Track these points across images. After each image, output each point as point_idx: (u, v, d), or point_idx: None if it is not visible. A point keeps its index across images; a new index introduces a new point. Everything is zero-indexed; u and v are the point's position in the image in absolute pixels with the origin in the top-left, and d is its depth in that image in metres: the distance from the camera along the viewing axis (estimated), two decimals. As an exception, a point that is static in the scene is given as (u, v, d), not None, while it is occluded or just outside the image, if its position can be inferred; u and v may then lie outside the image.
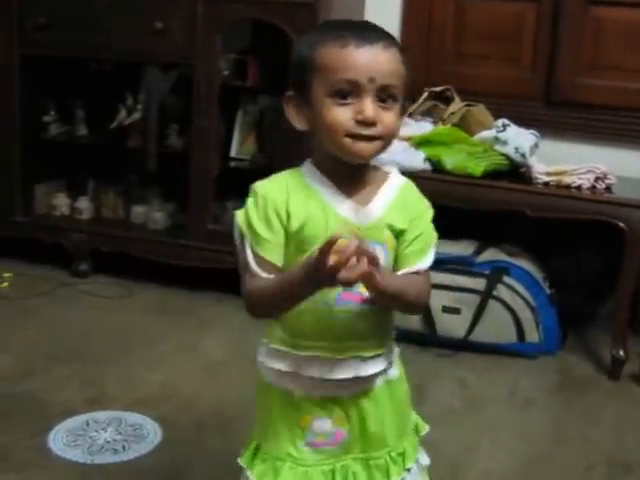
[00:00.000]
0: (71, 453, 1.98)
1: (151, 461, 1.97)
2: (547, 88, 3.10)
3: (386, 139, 1.20)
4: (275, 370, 1.27)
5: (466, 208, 2.74)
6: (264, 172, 1.33)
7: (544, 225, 2.80)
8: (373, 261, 1.09)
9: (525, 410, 2.42)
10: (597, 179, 2.69)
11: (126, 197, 3.37)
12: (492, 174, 2.73)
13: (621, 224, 2.56)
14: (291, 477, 1.26)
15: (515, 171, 2.78)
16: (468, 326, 2.73)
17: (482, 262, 2.81)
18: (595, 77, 3.04)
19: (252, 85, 3.07)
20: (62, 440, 2.03)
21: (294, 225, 1.20)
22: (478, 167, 2.70)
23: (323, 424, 1.27)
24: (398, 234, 1.25)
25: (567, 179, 2.68)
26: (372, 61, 1.16)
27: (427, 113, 2.99)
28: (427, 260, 1.28)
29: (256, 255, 1.21)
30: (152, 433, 2.09)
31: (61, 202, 3.39)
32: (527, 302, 2.74)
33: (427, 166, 2.77)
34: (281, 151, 2.87)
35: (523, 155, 2.73)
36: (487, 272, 2.77)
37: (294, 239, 1.21)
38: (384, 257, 1.23)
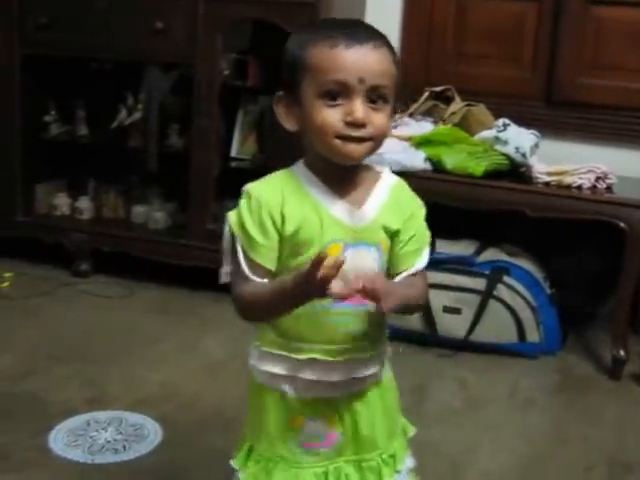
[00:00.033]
0: (72, 453, 1.98)
1: (152, 461, 1.98)
2: (548, 88, 3.10)
3: (377, 140, 1.19)
4: (269, 373, 1.26)
5: (466, 208, 2.74)
6: (264, 172, 1.32)
7: (545, 225, 2.80)
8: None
9: (526, 410, 2.42)
10: (598, 179, 2.69)
11: (127, 197, 3.37)
12: (493, 174, 2.73)
13: (622, 224, 2.56)
14: (283, 479, 1.26)
15: (515, 171, 2.78)
16: (469, 326, 2.73)
17: (482, 262, 2.81)
18: (596, 77, 3.04)
19: (253, 85, 3.07)
20: (63, 440, 2.03)
21: (289, 229, 1.19)
22: (479, 167, 2.70)
23: (316, 426, 1.26)
24: (392, 235, 1.25)
25: (568, 179, 2.68)
26: (362, 61, 1.15)
27: (428, 113, 2.99)
28: (423, 260, 1.28)
29: (249, 259, 1.20)
30: (153, 433, 2.09)
31: (62, 202, 3.39)
32: (528, 302, 2.74)
33: (428, 166, 2.77)
34: (281, 151, 2.87)
35: (524, 155, 2.73)
36: (487, 272, 2.77)
37: (289, 243, 1.20)
38: (377, 259, 1.23)
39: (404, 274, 1.25)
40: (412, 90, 3.13)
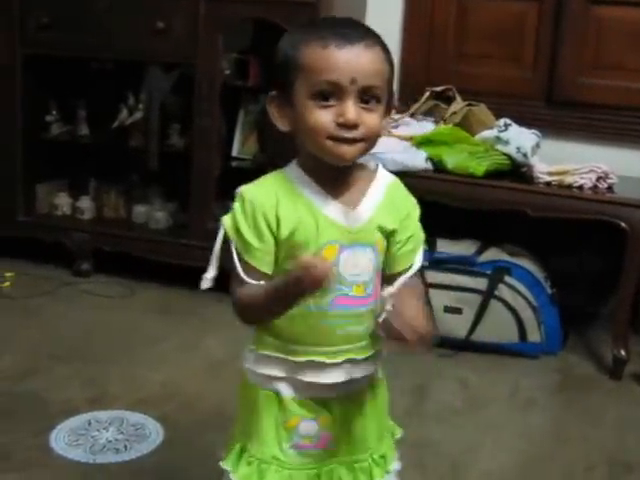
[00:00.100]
0: (73, 453, 1.98)
1: (153, 461, 1.98)
2: (549, 88, 3.10)
3: (369, 141, 1.18)
4: (265, 375, 1.26)
5: (468, 208, 2.74)
6: (265, 172, 1.32)
7: (546, 225, 2.80)
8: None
9: (526, 410, 2.42)
10: (599, 179, 2.69)
11: (128, 197, 3.37)
12: (494, 174, 2.73)
13: (623, 224, 2.56)
14: None
15: (517, 171, 2.78)
16: (470, 326, 2.73)
17: (484, 262, 2.81)
18: (597, 77, 3.04)
19: (253, 85, 3.07)
20: (64, 439, 2.03)
21: (284, 231, 1.19)
22: (480, 167, 2.70)
23: (309, 426, 1.26)
24: (388, 235, 1.24)
25: (569, 179, 2.68)
26: (353, 62, 1.13)
27: (429, 113, 2.99)
28: (419, 259, 1.28)
29: (245, 263, 1.20)
30: (154, 433, 2.09)
31: (63, 202, 3.39)
32: (529, 302, 2.74)
33: (429, 166, 2.77)
34: (282, 151, 2.87)
35: (525, 155, 2.73)
36: (489, 272, 2.77)
37: (284, 245, 1.20)
38: (373, 260, 1.23)
39: (407, 276, 1.26)
40: (413, 90, 3.13)
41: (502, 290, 2.74)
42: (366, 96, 1.15)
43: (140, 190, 3.36)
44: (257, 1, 2.90)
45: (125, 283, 3.16)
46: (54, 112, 3.34)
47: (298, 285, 1.09)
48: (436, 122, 2.94)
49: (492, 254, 2.84)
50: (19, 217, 3.32)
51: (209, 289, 1.26)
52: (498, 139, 2.75)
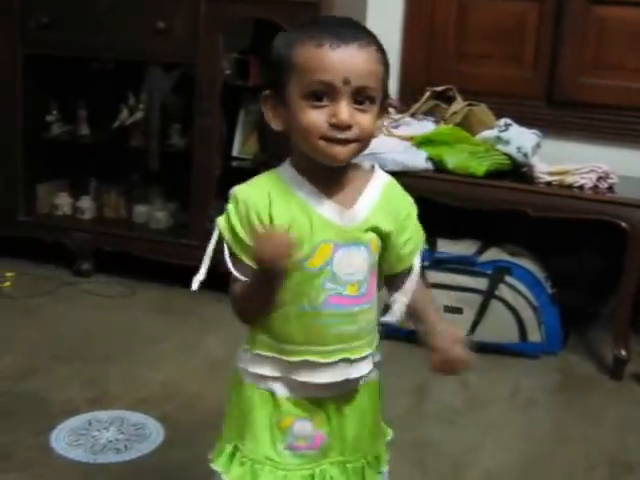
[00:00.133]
0: (73, 452, 1.98)
1: (153, 461, 1.98)
2: (549, 88, 3.10)
3: (362, 142, 1.18)
4: (260, 375, 1.26)
5: (468, 208, 2.74)
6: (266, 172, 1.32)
7: (546, 225, 2.80)
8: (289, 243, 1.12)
9: (527, 410, 2.42)
10: (599, 179, 2.69)
11: (128, 197, 3.37)
12: (494, 174, 2.73)
13: (623, 224, 2.56)
14: None
15: (517, 171, 2.78)
16: (470, 326, 2.73)
17: (484, 262, 2.81)
18: (598, 77, 3.04)
19: (254, 85, 3.07)
20: (64, 439, 2.03)
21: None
22: (480, 167, 2.70)
23: (304, 426, 1.25)
24: (383, 235, 1.24)
25: (569, 179, 2.68)
26: (347, 62, 1.13)
27: (429, 113, 2.99)
28: (419, 258, 1.30)
29: (240, 262, 1.21)
30: (154, 432, 2.09)
31: (63, 201, 3.39)
32: (529, 302, 2.74)
33: (429, 166, 2.77)
34: (283, 151, 2.87)
35: (525, 155, 2.72)
36: (489, 272, 2.77)
37: None
38: (367, 259, 1.23)
39: (412, 280, 1.27)
40: (413, 90, 3.13)
41: (502, 290, 2.74)
42: (360, 97, 1.15)
43: (140, 190, 3.36)
44: (257, 1, 2.90)
45: (125, 283, 3.16)
46: (54, 112, 3.34)
47: (263, 261, 1.11)
48: (436, 122, 2.94)
49: (493, 254, 2.84)
50: (20, 217, 3.32)
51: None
52: (499, 139, 2.75)
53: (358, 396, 1.29)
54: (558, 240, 3.08)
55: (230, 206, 1.21)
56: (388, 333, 2.79)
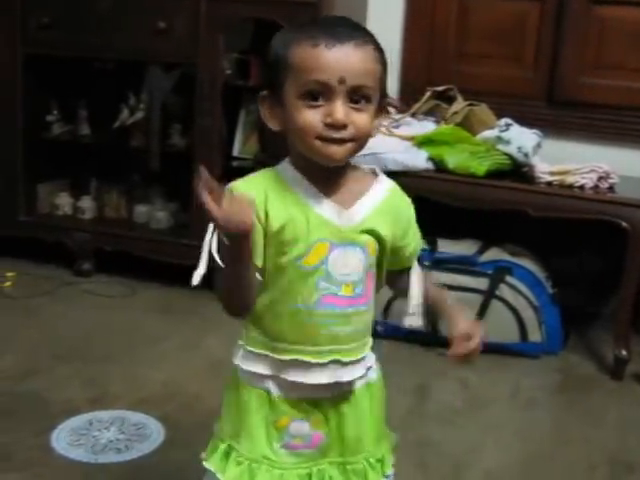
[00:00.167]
0: (74, 452, 1.98)
1: (154, 460, 1.98)
2: (550, 87, 3.10)
3: (359, 141, 1.17)
4: (253, 372, 1.25)
5: (469, 208, 2.74)
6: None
7: (547, 225, 2.80)
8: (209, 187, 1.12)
9: (527, 410, 2.42)
10: (600, 178, 2.69)
11: (129, 196, 3.37)
12: (495, 174, 2.73)
13: (624, 224, 2.56)
14: None
15: (518, 171, 2.78)
16: (471, 326, 2.73)
17: (485, 262, 2.81)
18: (598, 76, 3.04)
19: (255, 84, 3.07)
20: (65, 439, 2.03)
21: (274, 225, 1.18)
22: (481, 167, 2.70)
23: (300, 426, 1.25)
24: (381, 239, 1.24)
25: (570, 178, 2.68)
26: (342, 61, 1.13)
27: (430, 112, 2.99)
28: (416, 258, 1.33)
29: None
30: (155, 432, 2.09)
31: (64, 201, 3.39)
32: (530, 302, 2.74)
33: (430, 165, 2.76)
34: (283, 151, 2.87)
35: (526, 155, 2.72)
36: (490, 272, 2.77)
37: (273, 240, 1.19)
38: (363, 260, 1.22)
39: (415, 280, 1.30)
40: (414, 90, 3.13)
41: (503, 290, 2.74)
42: (356, 96, 1.15)
43: (141, 190, 3.36)
44: (258, 1, 2.90)
45: (126, 283, 3.16)
46: (55, 112, 3.34)
47: (228, 226, 1.09)
48: (437, 122, 2.93)
49: (493, 254, 2.84)
50: (20, 217, 3.32)
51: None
52: (499, 139, 2.75)
53: (358, 397, 1.28)
54: (559, 240, 3.08)
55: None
56: (388, 333, 2.79)
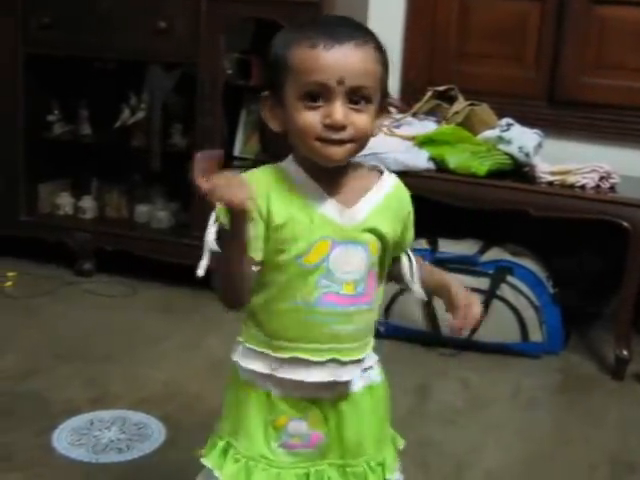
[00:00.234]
0: (75, 452, 1.98)
1: (155, 460, 1.98)
2: (551, 87, 3.10)
3: (358, 142, 1.17)
4: (252, 370, 1.25)
5: (470, 207, 2.74)
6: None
7: (548, 224, 2.80)
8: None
9: (528, 410, 2.42)
10: (601, 178, 2.68)
11: (130, 196, 3.37)
12: (496, 173, 2.73)
13: (625, 223, 2.56)
14: (264, 479, 1.24)
15: (519, 170, 2.78)
16: (471, 325, 2.72)
17: (486, 261, 2.81)
18: (599, 76, 3.04)
19: (256, 84, 3.07)
20: (66, 439, 2.04)
21: (275, 221, 1.18)
22: (482, 166, 2.69)
23: (299, 425, 1.25)
24: (383, 237, 1.24)
25: (571, 178, 2.68)
26: (341, 62, 1.12)
27: (431, 112, 2.99)
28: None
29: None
30: (156, 432, 2.09)
31: (65, 201, 3.40)
32: (531, 301, 2.74)
33: (431, 165, 2.76)
34: (284, 151, 2.87)
35: (527, 154, 2.72)
36: (491, 271, 2.77)
37: (273, 236, 1.19)
38: (365, 258, 1.22)
39: (415, 267, 1.32)
40: (415, 89, 3.13)
41: (504, 290, 2.74)
42: (355, 96, 1.15)
43: (142, 190, 3.36)
44: (259, 1, 2.90)
45: (127, 282, 3.16)
46: (56, 112, 3.34)
47: (232, 203, 1.09)
48: (438, 122, 2.93)
49: (494, 254, 2.84)
50: (21, 217, 3.32)
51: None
52: (500, 139, 2.75)
53: (360, 398, 1.28)
54: (560, 240, 3.08)
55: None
56: (389, 333, 2.79)
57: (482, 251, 2.84)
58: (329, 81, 1.13)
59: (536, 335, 2.74)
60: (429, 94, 3.00)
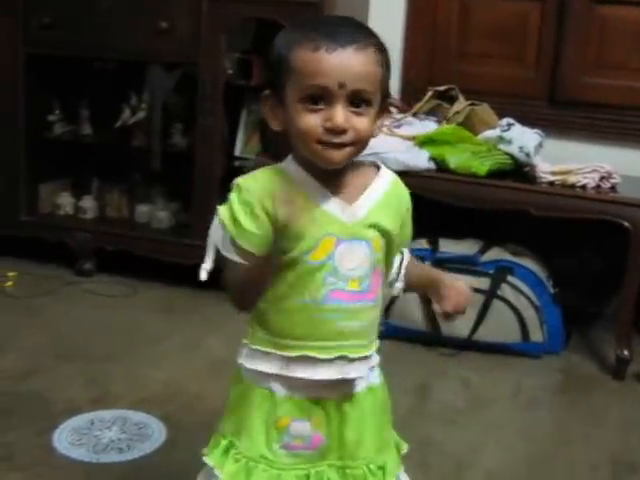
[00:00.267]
0: (76, 452, 1.98)
1: (156, 460, 1.98)
2: (551, 87, 3.10)
3: (358, 145, 1.18)
4: (258, 371, 1.26)
5: (470, 207, 2.74)
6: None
7: (548, 224, 2.80)
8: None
9: (529, 410, 2.42)
10: (602, 178, 2.68)
11: (130, 196, 3.37)
12: (496, 173, 2.73)
13: (626, 223, 2.56)
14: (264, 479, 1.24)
15: (519, 170, 2.78)
16: (472, 325, 2.73)
17: (486, 261, 2.81)
18: (600, 76, 3.04)
19: (256, 84, 3.07)
20: (67, 439, 2.04)
21: (280, 221, 1.18)
22: (482, 166, 2.69)
23: (302, 426, 1.25)
24: (385, 233, 1.25)
25: (572, 178, 2.68)
26: (343, 65, 1.13)
27: (431, 112, 2.99)
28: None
29: (243, 250, 1.18)
30: (157, 432, 2.09)
31: (65, 201, 3.40)
32: (531, 301, 2.74)
33: (431, 165, 2.76)
34: (285, 150, 2.87)
35: (527, 154, 2.72)
36: (491, 271, 2.77)
37: (280, 236, 1.19)
38: (369, 254, 1.23)
39: (405, 266, 1.34)
40: (415, 89, 3.13)
41: (505, 290, 2.74)
42: (356, 100, 1.15)
43: (143, 190, 3.36)
44: (260, 0, 2.90)
45: (127, 282, 3.16)
46: (57, 112, 3.34)
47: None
48: (439, 122, 2.93)
49: (495, 254, 2.84)
50: (22, 217, 3.32)
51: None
52: (501, 139, 2.75)
53: (361, 399, 1.28)
54: (560, 240, 3.08)
55: (233, 195, 1.19)
56: (389, 333, 2.79)
57: (482, 251, 2.84)
58: (330, 85, 1.13)
59: (537, 335, 2.74)
60: (429, 94, 3.00)
